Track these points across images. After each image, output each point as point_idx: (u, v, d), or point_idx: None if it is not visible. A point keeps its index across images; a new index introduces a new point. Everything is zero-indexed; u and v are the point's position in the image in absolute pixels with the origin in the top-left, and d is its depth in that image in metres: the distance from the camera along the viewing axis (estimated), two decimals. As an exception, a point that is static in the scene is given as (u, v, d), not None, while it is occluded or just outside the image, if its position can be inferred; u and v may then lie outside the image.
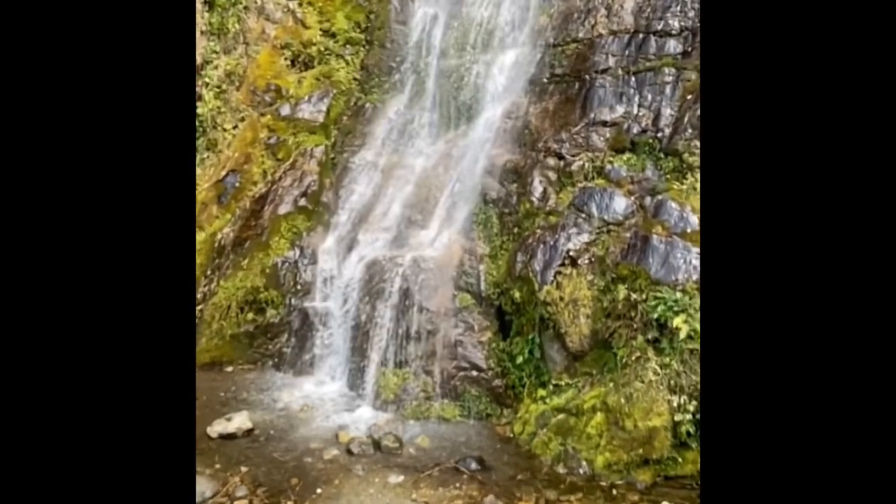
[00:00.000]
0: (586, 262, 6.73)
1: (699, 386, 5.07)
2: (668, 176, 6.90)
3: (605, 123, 7.63)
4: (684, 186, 6.69)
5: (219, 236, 8.62)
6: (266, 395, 7.12)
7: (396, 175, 8.94)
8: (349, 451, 6.02)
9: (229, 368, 7.63)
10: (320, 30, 10.13)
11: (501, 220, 7.72)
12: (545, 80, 8.43)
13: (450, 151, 8.80)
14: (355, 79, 10.04)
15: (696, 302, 5.72)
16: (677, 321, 5.64)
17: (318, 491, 5.18)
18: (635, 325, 6.05)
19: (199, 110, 9.11)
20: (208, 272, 8.35)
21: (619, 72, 7.77)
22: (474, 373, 6.97)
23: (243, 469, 5.42)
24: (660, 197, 6.73)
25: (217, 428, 6.06)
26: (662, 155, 7.14)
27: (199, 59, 8.78)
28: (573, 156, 7.61)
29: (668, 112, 7.31)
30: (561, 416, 6.17)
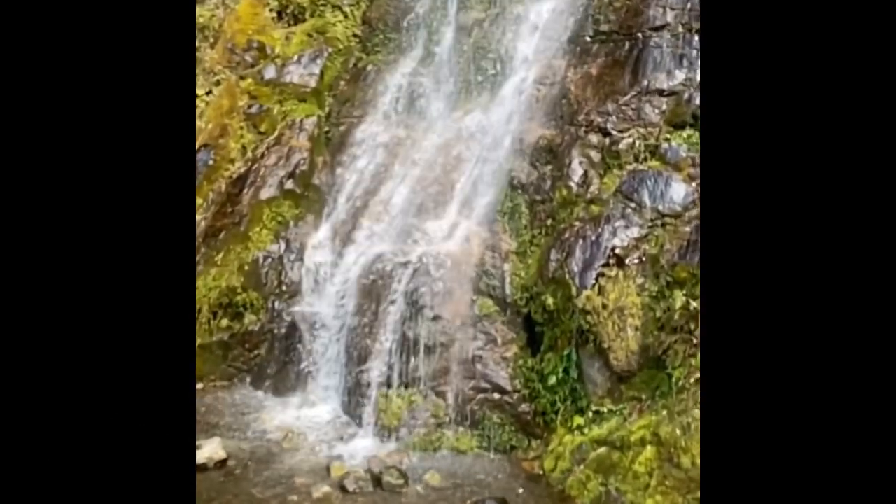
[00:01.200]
0: (635, 261, 6.77)
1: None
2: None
3: (660, 92, 7.65)
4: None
5: (188, 225, 8.75)
6: (243, 419, 7.18)
7: (404, 153, 8.94)
8: (343, 489, 6.03)
9: (199, 385, 7.69)
10: (313, -26, 10.26)
11: (532, 210, 7.77)
12: (588, 39, 8.45)
13: (469, 125, 8.77)
14: (355, 35, 10.05)
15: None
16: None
17: (306, 536, 5.21)
18: (695, 341, 6.07)
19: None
20: (175, 268, 8.46)
21: (680, 29, 7.79)
22: (496, 395, 7.01)
23: (215, 508, 5.51)
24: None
25: (184, 457, 6.20)
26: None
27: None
28: (621, 131, 7.62)
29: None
30: (602, 449, 6.18)
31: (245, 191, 8.75)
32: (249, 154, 9.12)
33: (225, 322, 7.99)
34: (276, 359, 7.91)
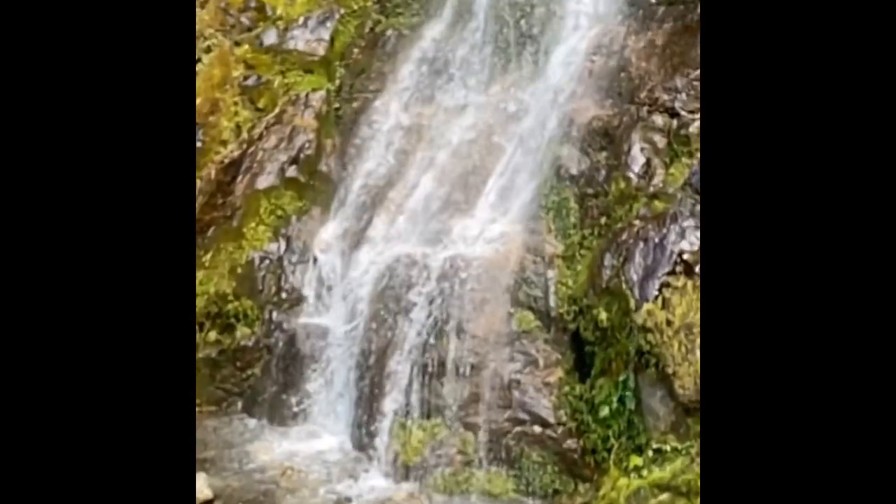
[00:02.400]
0: (707, 269, 6.91)
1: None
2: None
3: (740, 65, 7.77)
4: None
5: (170, 219, 8.87)
6: (233, 452, 7.25)
7: (429, 136, 8.94)
8: (351, 537, 6.20)
9: (181, 411, 7.89)
10: (323, -81, 10.15)
11: (582, 206, 7.78)
12: (652, 1, 8.50)
13: (508, 103, 8.79)
14: (373, -7, 10.02)
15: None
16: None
17: None
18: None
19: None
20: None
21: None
22: (537, 428, 7.06)
23: (200, 558, 5.57)
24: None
25: (164, 495, 6.30)
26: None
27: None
28: (692, 112, 7.60)
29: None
30: (664, 496, 6.20)
31: (239, 179, 8.79)
32: (245, 135, 9.16)
33: (213, 335, 8.06)
34: (273, 380, 7.97)
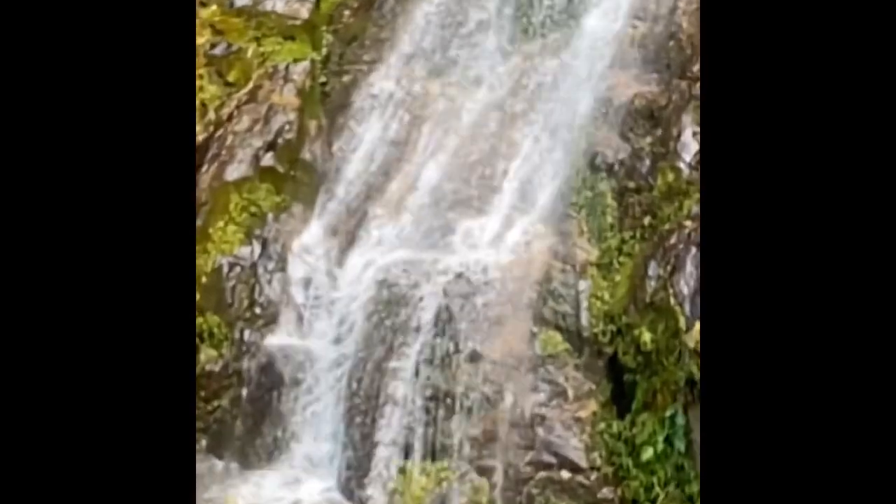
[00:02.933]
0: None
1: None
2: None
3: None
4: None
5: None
6: (197, 500, 6.70)
7: (436, 117, 8.81)
8: None
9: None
10: None
11: (622, 203, 7.79)
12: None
13: (531, 76, 8.67)
14: (367, -56, 10.00)
15: None
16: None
17: None
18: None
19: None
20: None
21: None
22: (565, 474, 6.95)
23: None
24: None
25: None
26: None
27: None
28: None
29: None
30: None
31: (204, 168, 8.62)
32: (211, 114, 9.02)
33: None
34: (245, 413, 7.75)
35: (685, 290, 6.92)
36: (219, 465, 7.56)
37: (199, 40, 9.20)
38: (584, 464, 6.89)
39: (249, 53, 9.28)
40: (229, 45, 9.35)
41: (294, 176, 8.69)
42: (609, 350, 7.24)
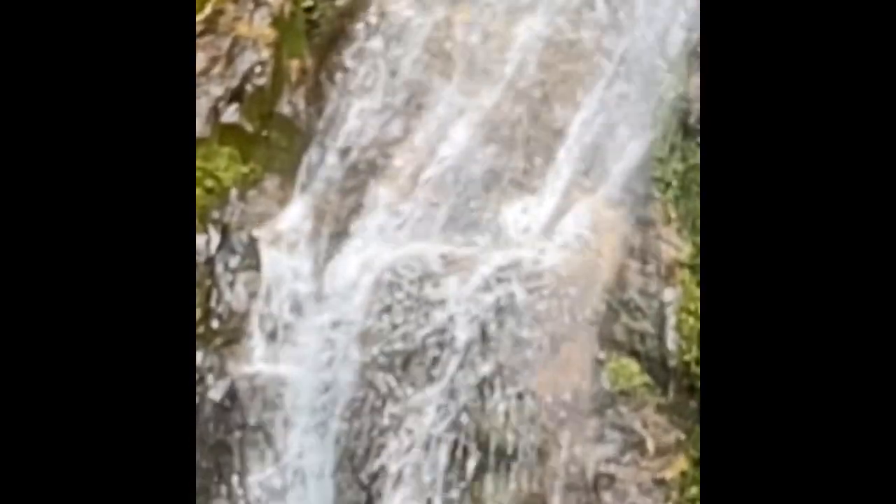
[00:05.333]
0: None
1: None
2: None
3: None
4: None
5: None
6: None
7: (466, 57, 8.10)
8: None
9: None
10: None
11: None
12: None
13: (594, 6, 8.10)
14: None
15: None
16: None
17: None
18: None
19: None
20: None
21: None
22: None
23: None
24: None
25: None
26: None
27: None
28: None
29: None
30: None
31: None
32: None
33: None
34: (198, 465, 7.03)
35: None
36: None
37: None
38: (668, 544, 6.96)
39: (207, -32, 8.96)
40: (182, -47, 8.69)
41: (267, 137, 7.97)
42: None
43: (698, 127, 7.43)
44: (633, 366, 6.89)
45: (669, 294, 7.04)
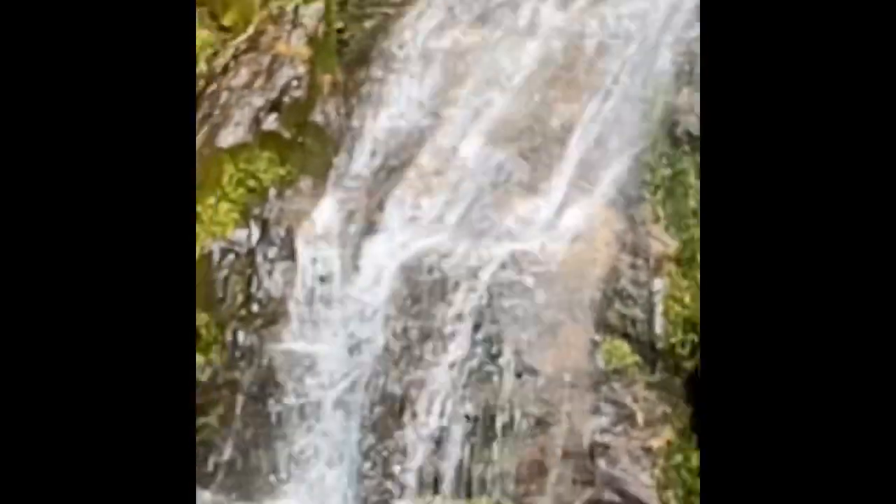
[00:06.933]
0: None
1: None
2: None
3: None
4: None
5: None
6: None
7: (479, 73, 8.64)
8: None
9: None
10: None
11: None
12: None
13: (596, 25, 8.58)
14: None
15: None
16: None
17: None
18: None
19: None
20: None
21: None
22: None
23: None
24: None
25: None
26: None
27: None
28: None
29: None
30: None
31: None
32: (203, 66, 8.90)
33: None
34: (238, 433, 7.61)
35: (788, 292, 6.97)
36: (206, 497, 7.50)
37: (190, -28, 9.26)
38: (655, 504, 6.90)
39: (250, -10, 9.23)
40: (227, -19, 9.38)
41: (302, 143, 8.54)
42: (689, 365, 7.16)
43: (685, 136, 7.88)
44: (625, 347, 7.17)
45: (658, 284, 7.33)
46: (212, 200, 8.22)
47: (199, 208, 8.07)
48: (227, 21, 9.21)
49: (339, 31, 9.16)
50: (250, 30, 9.04)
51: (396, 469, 7.18)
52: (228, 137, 8.46)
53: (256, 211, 8.19)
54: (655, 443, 6.99)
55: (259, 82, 8.67)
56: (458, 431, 7.10)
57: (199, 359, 7.71)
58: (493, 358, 7.16)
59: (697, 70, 7.92)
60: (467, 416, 7.10)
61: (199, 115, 8.63)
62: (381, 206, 8.26)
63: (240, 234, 8.09)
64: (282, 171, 8.39)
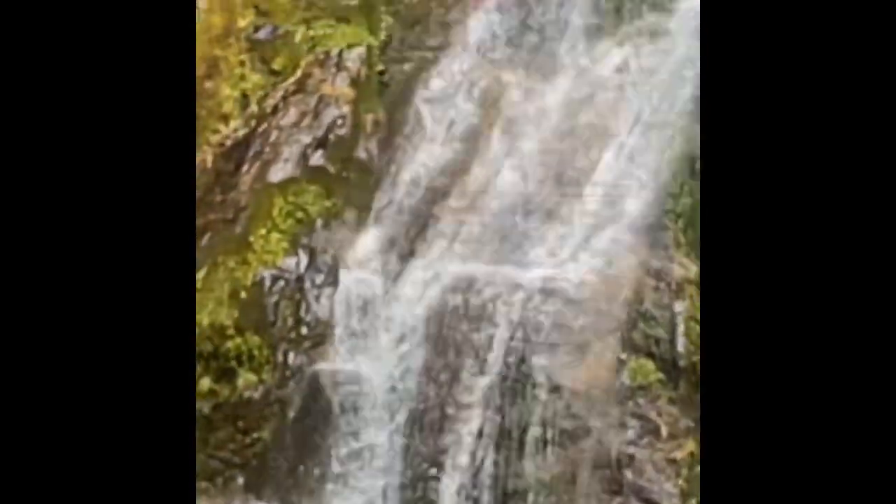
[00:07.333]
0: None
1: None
2: None
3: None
4: None
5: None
6: None
7: (510, 111, 8.80)
8: None
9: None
10: None
11: None
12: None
13: (621, 66, 8.73)
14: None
15: None
16: None
17: None
18: None
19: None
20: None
21: None
22: None
23: None
24: None
25: None
26: None
27: None
28: None
29: None
30: None
31: (245, 168, 8.78)
32: (254, 107, 9.15)
33: (206, 384, 7.94)
34: (288, 447, 7.80)
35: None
36: (258, 506, 7.46)
37: (242, 23, 9.47)
38: (681, 513, 6.83)
39: (298, 38, 9.42)
40: (275, 29, 9.53)
41: (347, 177, 8.79)
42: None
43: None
44: (650, 365, 7.38)
45: (679, 306, 7.49)
46: (263, 231, 8.41)
47: (251, 238, 8.35)
48: (276, 65, 9.33)
49: (381, 73, 9.37)
50: (298, 73, 9.26)
51: (437, 480, 7.37)
52: (278, 173, 8.68)
53: (304, 240, 8.41)
54: (679, 454, 7.15)
55: (306, 121, 8.93)
56: (493, 445, 7.28)
57: (252, 378, 7.91)
58: (526, 376, 7.35)
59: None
60: (502, 430, 7.30)
61: (250, 153, 8.85)
62: (419, 236, 8.43)
63: (289, 262, 8.30)
64: (328, 204, 8.62)
